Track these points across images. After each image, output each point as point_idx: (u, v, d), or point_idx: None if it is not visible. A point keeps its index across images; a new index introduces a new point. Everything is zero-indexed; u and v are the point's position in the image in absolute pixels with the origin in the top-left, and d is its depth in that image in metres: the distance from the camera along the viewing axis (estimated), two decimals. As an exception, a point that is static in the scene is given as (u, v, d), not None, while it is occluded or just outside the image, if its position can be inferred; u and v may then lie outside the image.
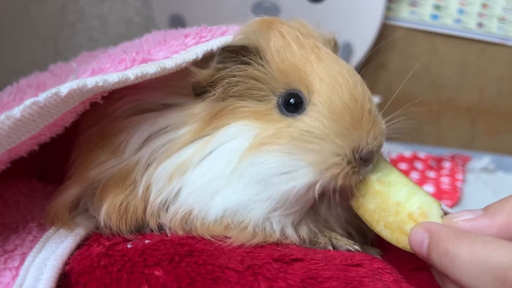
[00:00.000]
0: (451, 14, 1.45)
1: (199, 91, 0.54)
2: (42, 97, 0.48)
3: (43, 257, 0.50)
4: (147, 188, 0.55)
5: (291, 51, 0.53)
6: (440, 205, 0.51)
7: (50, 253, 0.51)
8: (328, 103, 0.51)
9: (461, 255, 0.42)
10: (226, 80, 0.53)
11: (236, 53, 0.53)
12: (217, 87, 0.53)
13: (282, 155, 0.50)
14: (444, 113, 1.50)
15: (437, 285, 0.47)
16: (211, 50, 0.55)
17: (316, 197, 0.51)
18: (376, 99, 0.57)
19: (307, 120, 0.51)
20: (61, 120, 0.52)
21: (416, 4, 1.44)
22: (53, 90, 0.48)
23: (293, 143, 0.50)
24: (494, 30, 1.46)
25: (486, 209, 0.47)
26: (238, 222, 0.53)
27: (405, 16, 1.45)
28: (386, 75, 1.43)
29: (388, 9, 1.42)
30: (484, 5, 1.44)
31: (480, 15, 1.45)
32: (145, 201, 0.55)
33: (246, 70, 0.53)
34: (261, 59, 0.53)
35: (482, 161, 1.32)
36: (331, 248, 0.55)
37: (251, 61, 0.53)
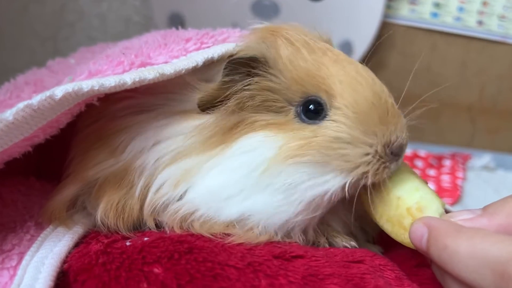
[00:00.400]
0: (451, 12, 1.45)
1: (205, 106, 0.53)
2: (36, 100, 0.47)
3: (41, 256, 0.50)
4: (146, 189, 0.54)
5: (303, 57, 0.52)
6: (444, 204, 0.51)
7: (48, 251, 0.50)
8: (353, 104, 0.50)
9: (459, 249, 0.42)
10: (240, 94, 0.52)
11: (244, 65, 0.51)
12: (229, 101, 0.52)
13: (313, 165, 0.50)
14: (444, 112, 1.49)
15: (438, 281, 0.47)
16: (212, 57, 0.54)
17: (347, 197, 0.51)
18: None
19: (333, 126, 0.50)
20: (55, 121, 0.51)
21: (416, 2, 1.44)
22: (48, 93, 0.47)
23: (323, 152, 0.50)
24: (494, 28, 1.46)
25: (485, 209, 0.47)
26: (253, 226, 0.52)
27: (405, 14, 1.45)
28: (386, 74, 1.43)
29: (388, 7, 1.42)
30: (484, 3, 1.44)
31: (480, 13, 1.45)
32: (142, 200, 0.55)
33: (259, 82, 0.52)
34: (272, 69, 0.52)
35: (482, 159, 1.32)
36: (327, 246, 0.55)
37: (263, 72, 0.52)
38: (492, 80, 1.50)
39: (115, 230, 0.55)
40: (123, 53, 0.55)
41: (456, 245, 0.42)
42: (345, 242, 0.55)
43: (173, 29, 0.65)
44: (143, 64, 0.53)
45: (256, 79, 0.52)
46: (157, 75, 0.51)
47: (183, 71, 0.53)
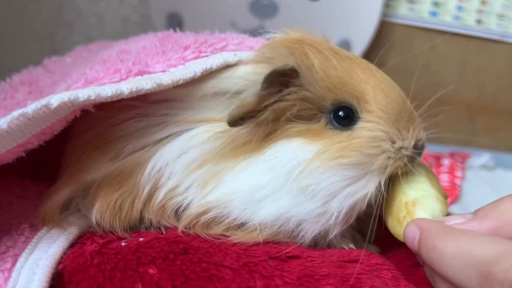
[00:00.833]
0: (449, 11, 1.45)
1: (237, 121, 0.52)
2: (31, 108, 0.47)
3: (35, 257, 0.49)
4: (156, 188, 0.54)
5: (333, 66, 0.53)
6: (444, 211, 0.52)
7: (42, 253, 0.50)
8: (386, 107, 0.53)
9: (446, 249, 0.43)
10: (275, 105, 0.52)
11: (279, 76, 0.52)
12: (265, 112, 0.52)
13: (354, 167, 0.51)
14: (443, 110, 1.49)
15: None
16: (210, 68, 0.54)
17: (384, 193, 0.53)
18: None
19: (369, 127, 0.52)
20: (50, 128, 0.51)
21: (414, 1, 1.44)
22: (43, 102, 0.47)
23: (365, 152, 0.51)
24: (493, 27, 1.45)
25: (475, 213, 0.47)
26: (290, 230, 0.52)
27: (403, 13, 1.45)
28: (384, 72, 1.42)
29: (386, 6, 1.41)
30: (483, 2, 1.43)
31: (479, 12, 1.44)
32: (149, 200, 0.55)
33: (296, 92, 0.52)
34: (306, 78, 0.52)
35: (481, 158, 1.31)
36: (325, 247, 0.54)
37: (298, 83, 0.52)
38: (491, 79, 1.50)
39: (110, 230, 0.54)
40: (121, 60, 0.55)
41: (443, 246, 0.43)
42: (343, 244, 0.55)
43: (171, 31, 0.65)
44: (140, 73, 0.53)
45: (293, 89, 0.52)
46: (154, 85, 0.51)
47: (181, 81, 0.53)
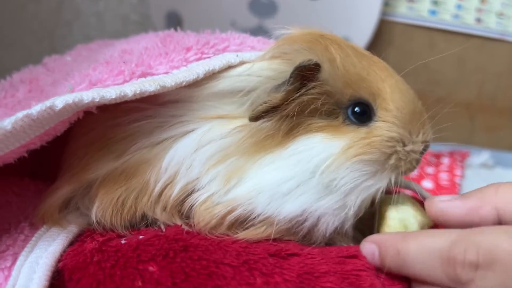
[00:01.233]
0: (449, 9, 1.44)
1: (260, 115, 0.53)
2: (35, 110, 0.47)
3: (35, 256, 0.50)
4: (168, 186, 0.54)
5: (352, 62, 0.54)
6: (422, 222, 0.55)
7: (42, 251, 0.50)
8: (403, 107, 0.54)
9: (409, 250, 0.47)
10: (299, 99, 0.52)
11: (303, 71, 0.52)
12: (288, 107, 0.52)
13: (374, 163, 0.53)
14: (443, 109, 1.49)
15: None
16: (213, 70, 0.54)
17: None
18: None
19: (386, 126, 0.54)
20: (53, 129, 0.51)
21: (414, -1, 1.44)
22: (48, 104, 0.47)
23: (383, 151, 0.53)
24: (492, 26, 1.45)
25: (462, 194, 0.53)
26: (313, 225, 0.53)
27: (403, 11, 1.45)
28: (384, 71, 1.42)
29: (386, 4, 1.41)
30: (483, 0, 1.43)
31: (479, 10, 1.44)
32: (159, 197, 0.54)
33: (319, 87, 0.53)
34: (328, 73, 0.53)
35: (480, 157, 1.31)
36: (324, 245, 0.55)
37: (321, 78, 0.53)
38: (491, 77, 1.50)
39: (110, 228, 0.54)
40: (124, 61, 0.55)
41: (406, 247, 0.47)
42: (343, 242, 0.56)
43: (172, 31, 0.65)
44: (143, 74, 0.54)
45: (316, 84, 0.53)
46: (158, 87, 0.52)
47: (184, 83, 0.53)
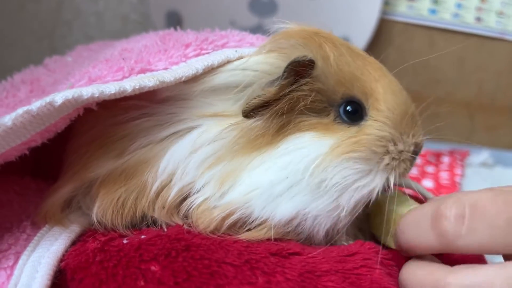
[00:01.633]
0: (449, 8, 1.45)
1: (251, 113, 0.53)
2: (35, 106, 0.47)
3: (37, 255, 0.50)
4: (165, 187, 0.54)
5: (347, 61, 0.54)
6: None
7: (44, 250, 0.50)
8: (394, 107, 0.54)
9: (406, 219, 0.50)
10: (291, 96, 0.52)
11: (297, 67, 0.52)
12: (280, 103, 0.52)
13: (364, 162, 0.52)
14: (443, 108, 1.49)
15: None
16: (212, 65, 0.54)
17: (391, 192, 0.55)
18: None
19: (377, 126, 0.54)
20: (53, 126, 0.51)
21: (413, -2, 1.44)
22: (48, 100, 0.47)
23: (373, 149, 0.53)
24: (492, 25, 1.45)
25: None
26: (306, 227, 0.53)
27: (403, 10, 1.45)
28: (384, 70, 1.42)
29: (386, 3, 1.41)
30: (482, 0, 1.43)
31: (478, 9, 1.44)
32: (156, 198, 0.54)
33: (312, 83, 0.53)
34: (321, 70, 0.53)
35: (480, 155, 1.31)
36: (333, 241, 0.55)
37: (314, 74, 0.53)
38: (491, 76, 1.50)
39: (112, 228, 0.54)
40: (123, 58, 0.55)
41: (404, 220, 0.51)
42: (344, 242, 0.56)
43: (172, 29, 0.65)
44: (142, 71, 0.53)
45: (308, 80, 0.53)
46: (157, 82, 0.51)
47: (183, 79, 0.53)
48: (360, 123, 0.54)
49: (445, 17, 1.45)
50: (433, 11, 1.45)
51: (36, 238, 0.52)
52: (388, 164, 0.54)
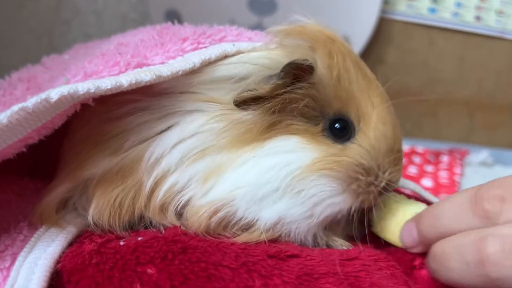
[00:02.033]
0: (448, 7, 1.44)
1: (243, 103, 0.53)
2: (31, 102, 0.46)
3: (34, 256, 0.49)
4: (157, 184, 0.54)
5: (350, 78, 0.54)
6: None
7: (41, 252, 0.50)
8: (381, 139, 0.54)
9: (443, 206, 0.50)
10: (284, 96, 0.52)
11: (296, 69, 0.52)
12: (273, 101, 0.52)
13: (339, 182, 0.52)
14: (442, 107, 1.49)
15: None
16: (209, 59, 0.54)
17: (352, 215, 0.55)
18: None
19: (360, 152, 0.54)
20: (50, 123, 0.51)
21: (413, -3, 1.44)
22: (43, 96, 0.47)
23: (348, 173, 0.53)
24: (492, 23, 1.45)
25: None
26: (287, 232, 0.53)
27: (402, 9, 1.44)
28: (383, 69, 1.42)
29: (385, 2, 1.41)
30: (482, -2, 1.43)
31: (478, 8, 1.44)
32: (150, 197, 0.54)
33: (307, 88, 0.52)
34: (321, 79, 0.53)
35: (480, 155, 1.31)
36: (325, 247, 0.55)
37: (311, 80, 0.53)
38: (490, 75, 1.50)
39: (109, 229, 0.54)
40: (119, 53, 0.55)
41: (440, 207, 0.51)
42: (345, 246, 0.55)
43: (169, 24, 0.64)
44: (139, 65, 0.53)
45: (305, 84, 0.52)
46: (154, 77, 0.51)
47: (180, 73, 0.52)
48: (345, 143, 0.54)
49: (445, 16, 1.45)
50: (432, 10, 1.44)
51: (33, 239, 0.52)
52: (354, 190, 0.53)
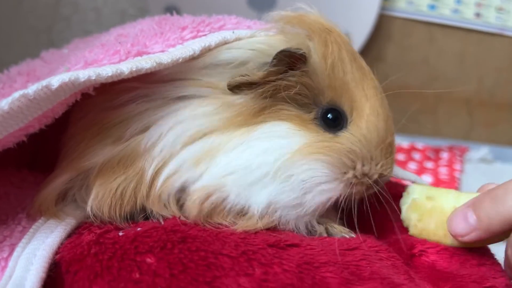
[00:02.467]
0: (448, 4, 1.44)
1: (235, 87, 0.53)
2: (32, 89, 0.46)
3: (32, 247, 0.49)
4: (158, 172, 0.53)
5: (344, 69, 0.54)
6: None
7: (40, 243, 0.50)
8: (374, 129, 0.54)
9: (509, 187, 0.49)
10: (277, 82, 0.52)
11: (289, 56, 0.52)
12: (265, 86, 0.52)
13: (331, 167, 0.53)
14: (442, 104, 1.49)
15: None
16: (209, 46, 0.54)
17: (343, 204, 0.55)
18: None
19: (351, 139, 0.54)
20: (51, 111, 0.51)
21: (413, -6, 1.44)
22: (44, 83, 0.46)
23: (340, 158, 0.53)
24: (492, 20, 1.45)
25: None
26: (277, 217, 0.53)
27: (402, 6, 1.44)
28: (383, 66, 1.42)
29: (385, -1, 1.41)
30: (482, -5, 1.43)
31: (478, 5, 1.44)
32: (151, 185, 0.54)
33: (300, 76, 0.53)
34: (315, 68, 0.53)
35: (480, 151, 1.31)
36: (326, 235, 0.54)
37: (305, 69, 0.53)
38: (490, 72, 1.50)
39: (108, 219, 0.54)
40: (119, 42, 0.55)
41: (503, 189, 0.49)
42: (344, 233, 0.55)
43: (168, 15, 0.64)
44: (139, 53, 0.53)
45: (297, 72, 0.53)
46: (154, 64, 0.51)
47: (180, 60, 0.52)
48: (336, 133, 0.54)
49: (445, 13, 1.45)
50: (432, 7, 1.44)
51: (31, 230, 0.52)
52: (349, 179, 0.53)
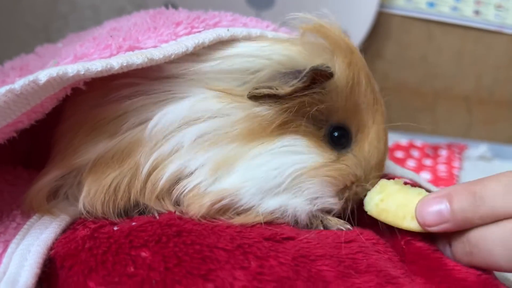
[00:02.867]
0: (447, 1, 1.44)
1: (259, 98, 0.53)
2: (18, 84, 0.46)
3: (27, 243, 0.49)
4: (155, 168, 0.53)
5: (360, 91, 0.56)
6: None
7: (34, 239, 0.49)
8: (374, 153, 0.57)
9: (487, 186, 0.47)
10: (303, 98, 0.53)
11: (318, 75, 0.52)
12: (292, 102, 0.53)
13: (334, 185, 0.55)
14: (441, 102, 1.48)
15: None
16: (203, 43, 0.53)
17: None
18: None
19: (356, 162, 0.56)
20: (40, 106, 0.50)
21: (412, -9, 1.43)
22: (31, 78, 0.46)
23: (340, 178, 0.55)
24: (491, 18, 1.45)
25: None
26: (285, 218, 0.55)
27: (401, 4, 1.44)
28: (382, 64, 1.42)
29: (384, -4, 1.41)
30: (481, -7, 1.43)
31: (477, 2, 1.44)
32: (146, 181, 0.53)
33: (323, 94, 0.54)
34: (335, 88, 0.54)
35: (479, 149, 1.31)
36: (322, 228, 0.54)
37: (329, 87, 0.54)
38: (489, 70, 1.49)
39: (102, 216, 0.53)
40: (111, 36, 0.54)
41: (482, 186, 0.47)
42: (340, 225, 0.55)
43: (163, 8, 0.64)
44: (131, 48, 0.52)
45: (322, 90, 0.54)
46: (146, 60, 0.50)
47: (172, 56, 0.52)
48: (341, 151, 0.56)
49: (443, 10, 1.44)
50: (431, 4, 1.44)
51: (25, 226, 0.52)
52: (346, 197, 0.56)
